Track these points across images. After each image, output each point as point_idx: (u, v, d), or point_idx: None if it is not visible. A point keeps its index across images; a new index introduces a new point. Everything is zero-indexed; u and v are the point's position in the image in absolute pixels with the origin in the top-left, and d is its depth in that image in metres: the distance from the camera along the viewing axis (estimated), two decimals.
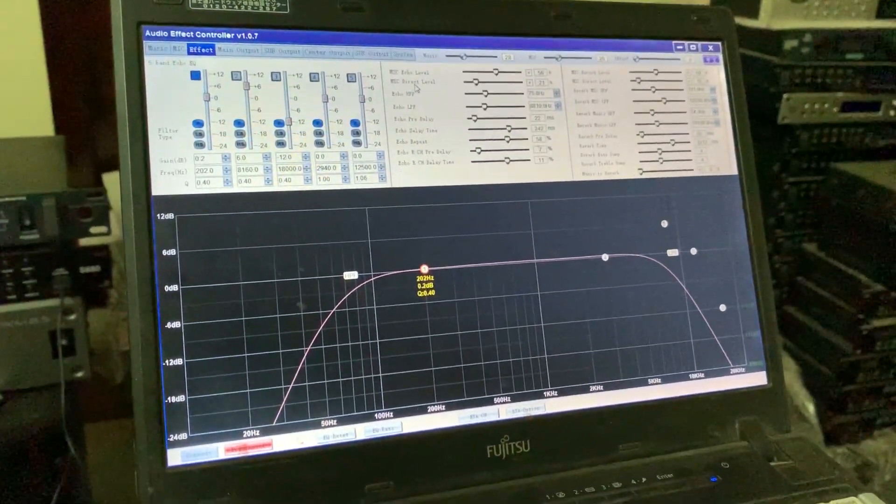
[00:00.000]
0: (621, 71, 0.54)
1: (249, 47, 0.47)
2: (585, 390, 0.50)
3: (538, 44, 0.52)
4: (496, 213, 0.50)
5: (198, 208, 0.45)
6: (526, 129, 0.51)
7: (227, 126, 0.46)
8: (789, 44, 0.92)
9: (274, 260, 0.45)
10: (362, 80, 0.49)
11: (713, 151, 0.55)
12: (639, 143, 0.54)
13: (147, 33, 0.45)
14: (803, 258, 1.02)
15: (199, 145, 0.45)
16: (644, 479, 0.48)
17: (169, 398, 0.43)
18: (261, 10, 0.47)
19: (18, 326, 0.64)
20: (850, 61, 0.95)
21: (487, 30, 0.51)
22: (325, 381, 0.46)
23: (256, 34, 0.47)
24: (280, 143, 0.47)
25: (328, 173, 0.47)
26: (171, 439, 0.43)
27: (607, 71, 0.54)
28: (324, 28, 0.48)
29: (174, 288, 0.44)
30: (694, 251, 0.53)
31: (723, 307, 0.54)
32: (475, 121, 0.51)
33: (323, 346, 0.46)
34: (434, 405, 0.47)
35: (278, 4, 0.47)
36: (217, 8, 0.46)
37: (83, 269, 0.67)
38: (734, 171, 0.55)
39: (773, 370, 0.54)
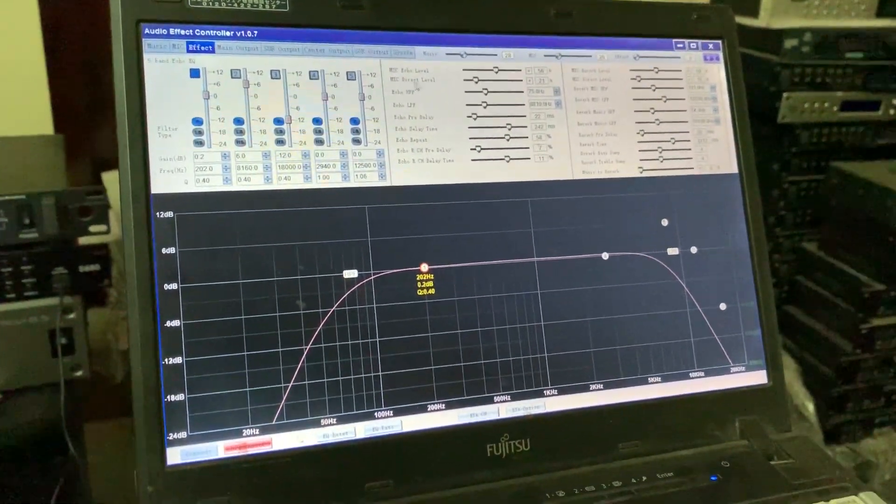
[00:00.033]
0: (621, 69, 0.54)
1: (249, 45, 0.47)
2: (585, 389, 0.50)
3: (538, 42, 0.52)
4: (496, 211, 0.50)
5: (197, 206, 0.44)
6: (526, 127, 0.51)
7: (227, 124, 0.46)
8: (789, 43, 0.92)
9: (273, 258, 0.45)
10: (362, 79, 0.49)
11: (713, 150, 0.55)
12: (639, 142, 0.54)
13: (146, 31, 0.45)
14: (803, 257, 1.02)
15: (199, 143, 0.45)
16: (644, 478, 0.48)
17: (168, 397, 0.43)
18: (260, 7, 0.47)
19: (18, 325, 0.64)
20: (850, 60, 0.94)
21: (487, 28, 0.51)
22: (325, 380, 0.45)
23: (256, 32, 0.47)
24: (279, 142, 0.47)
25: (328, 171, 0.47)
26: (171, 438, 0.43)
27: (607, 69, 0.54)
28: (323, 26, 0.48)
29: (174, 286, 0.44)
30: (694, 250, 0.53)
31: (723, 306, 0.53)
32: (475, 119, 0.50)
33: (322, 345, 0.46)
34: (434, 404, 0.47)
35: (278, 2, 0.47)
36: (216, 6, 0.46)
37: (82, 268, 0.67)
38: (734, 169, 0.55)
39: (774, 369, 0.54)
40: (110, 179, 0.92)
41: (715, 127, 0.56)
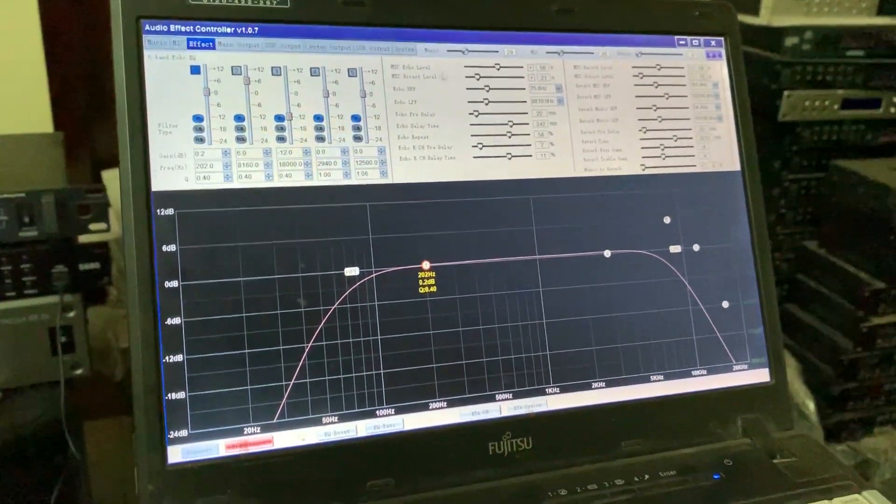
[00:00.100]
0: (623, 66, 0.54)
1: (250, 42, 0.47)
2: (587, 387, 0.50)
3: (540, 38, 0.52)
4: (498, 209, 0.50)
5: (198, 204, 0.44)
6: (528, 124, 0.51)
7: (228, 121, 0.46)
8: (790, 40, 0.92)
9: (274, 256, 0.45)
10: (363, 75, 0.48)
11: (716, 147, 0.55)
12: (641, 139, 0.54)
13: (146, 28, 0.45)
14: (804, 255, 1.02)
15: (199, 140, 0.45)
16: (647, 477, 0.47)
17: (169, 395, 0.43)
18: (261, 4, 0.47)
19: (18, 324, 0.64)
20: (850, 58, 0.94)
21: (489, 24, 0.51)
22: (327, 378, 0.45)
23: (257, 28, 0.47)
24: (280, 139, 0.46)
25: (329, 169, 0.47)
26: (172, 436, 0.42)
27: (609, 66, 0.53)
28: (324, 22, 0.48)
29: (174, 284, 0.43)
30: (696, 247, 0.53)
31: (725, 304, 0.53)
32: (477, 116, 0.50)
33: (324, 343, 0.45)
34: (435, 402, 0.47)
35: None
36: (217, 2, 0.46)
37: (82, 266, 0.67)
38: (737, 166, 0.55)
39: (776, 367, 0.54)
40: (110, 177, 0.91)
41: (717, 124, 0.55)
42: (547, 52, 0.52)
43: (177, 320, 0.43)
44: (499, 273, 0.49)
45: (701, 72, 0.55)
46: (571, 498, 0.45)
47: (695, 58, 0.55)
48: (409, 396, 0.47)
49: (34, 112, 0.93)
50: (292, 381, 0.45)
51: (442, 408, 0.47)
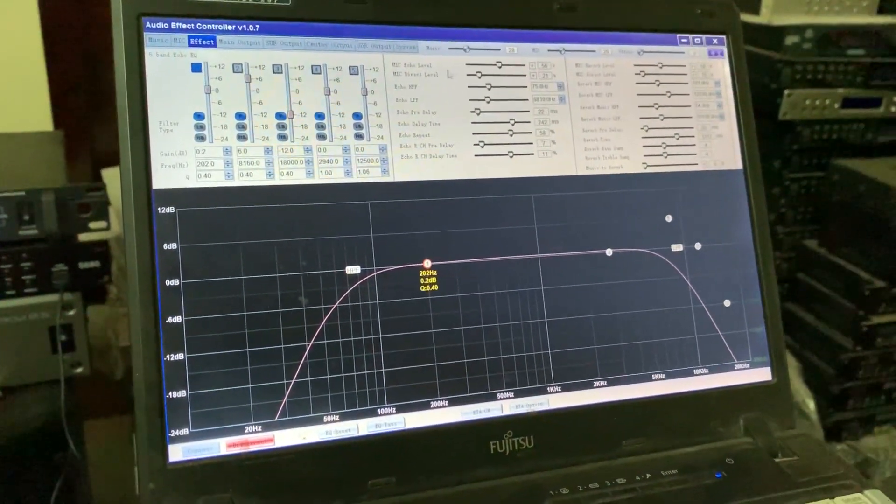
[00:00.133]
0: (625, 64, 0.54)
1: (251, 39, 0.46)
2: (589, 386, 0.50)
3: (542, 36, 0.52)
4: (499, 207, 0.50)
5: (199, 202, 0.44)
6: (529, 122, 0.51)
7: (229, 119, 0.46)
8: (790, 39, 0.92)
9: (276, 254, 0.45)
10: (364, 73, 0.48)
11: (718, 146, 0.55)
12: (643, 137, 0.53)
13: (147, 25, 0.45)
14: (804, 254, 1.02)
15: (200, 138, 0.45)
16: (648, 476, 0.47)
17: (170, 393, 0.42)
18: (262, 1, 0.47)
19: (17, 322, 0.64)
20: (851, 57, 0.94)
21: (491, 22, 0.51)
22: (328, 377, 0.45)
23: (258, 26, 0.47)
24: (282, 137, 0.46)
25: (330, 167, 0.47)
26: (173, 435, 0.42)
27: (611, 64, 0.53)
28: (326, 20, 0.48)
29: (175, 282, 0.43)
30: (698, 246, 0.53)
31: (727, 302, 0.53)
32: (478, 114, 0.50)
33: (325, 342, 0.45)
34: (437, 401, 0.47)
35: None
36: None
37: (82, 265, 0.66)
38: (739, 165, 0.55)
39: (778, 366, 0.54)
40: (110, 176, 0.91)
41: (719, 123, 0.55)
42: (549, 50, 0.52)
43: (178, 318, 0.43)
44: (500, 272, 0.49)
45: (703, 70, 0.55)
46: (573, 497, 0.45)
47: (697, 56, 0.55)
48: (411, 395, 0.46)
49: (34, 110, 0.93)
50: (293, 380, 0.45)
51: (443, 406, 0.47)
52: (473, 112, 0.50)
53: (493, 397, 0.48)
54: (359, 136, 0.48)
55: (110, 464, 0.73)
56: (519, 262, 0.49)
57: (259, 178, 0.45)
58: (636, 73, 0.54)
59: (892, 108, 0.97)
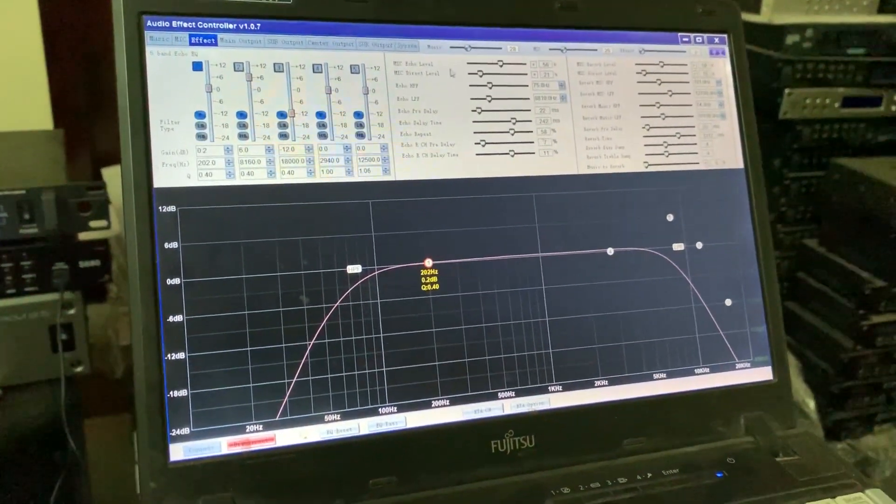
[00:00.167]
0: (627, 63, 0.54)
1: (252, 38, 0.46)
2: (590, 385, 0.50)
3: (543, 35, 0.52)
4: (500, 206, 0.49)
5: (200, 201, 0.44)
6: (531, 121, 0.51)
7: (230, 118, 0.45)
8: (791, 38, 0.92)
9: (277, 253, 0.45)
10: (366, 72, 0.48)
11: (719, 145, 0.55)
12: (644, 137, 0.53)
13: (148, 23, 0.44)
14: (804, 254, 1.01)
15: (202, 137, 0.45)
16: (650, 475, 0.47)
17: (171, 392, 0.42)
18: (263, 0, 0.46)
19: (18, 321, 0.64)
20: (851, 56, 0.94)
21: (492, 21, 0.51)
22: (329, 376, 0.45)
23: (259, 25, 0.46)
24: (283, 136, 0.46)
25: (331, 166, 0.47)
26: (174, 434, 0.42)
27: (613, 63, 0.53)
28: (327, 19, 0.48)
29: (176, 281, 0.43)
30: (699, 245, 0.53)
31: (728, 302, 0.53)
32: (479, 113, 0.50)
33: (326, 341, 0.45)
34: (438, 400, 0.47)
35: None
36: None
37: (83, 264, 0.66)
38: (740, 164, 0.55)
39: (779, 365, 0.54)
40: (110, 174, 0.91)
41: (720, 122, 0.55)
42: (550, 49, 0.52)
43: (179, 318, 0.43)
44: (501, 271, 0.49)
45: (704, 69, 0.55)
46: (574, 496, 0.45)
47: (698, 55, 0.55)
48: (412, 394, 0.46)
49: (34, 109, 0.93)
50: (294, 379, 0.45)
51: (444, 406, 0.47)
52: (475, 111, 0.50)
53: (494, 396, 0.48)
54: (360, 135, 0.48)
55: (110, 463, 0.73)
56: (520, 262, 0.49)
57: (260, 177, 0.45)
58: (637, 72, 0.54)
59: (893, 108, 0.97)
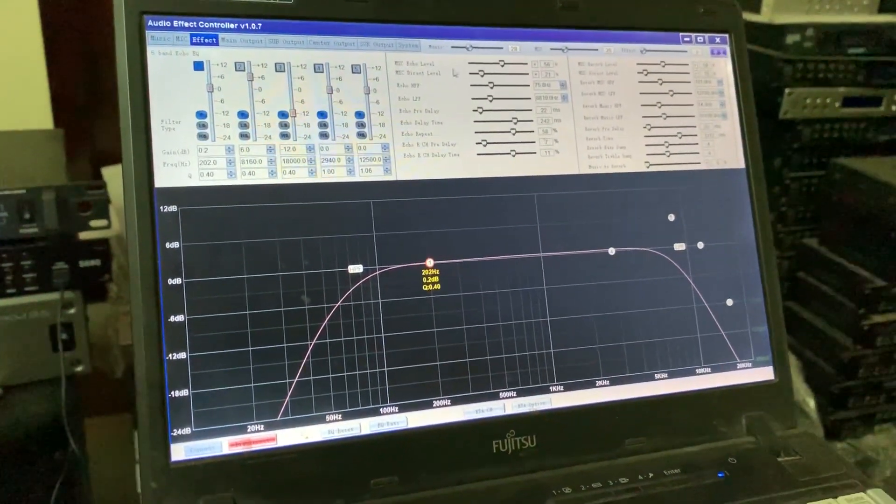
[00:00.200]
0: (628, 63, 0.54)
1: (253, 38, 0.46)
2: (592, 385, 0.50)
3: (544, 35, 0.52)
4: (502, 206, 0.49)
5: (201, 201, 0.44)
6: (532, 121, 0.51)
7: (231, 117, 0.45)
8: (791, 38, 0.92)
9: (278, 253, 0.45)
10: (367, 72, 0.48)
11: (720, 145, 0.55)
12: (645, 136, 0.53)
13: (150, 23, 0.44)
14: (804, 253, 1.02)
15: (203, 137, 0.45)
16: (651, 475, 0.47)
17: (172, 392, 0.42)
18: (265, 0, 0.46)
19: (18, 320, 0.64)
20: (852, 56, 0.94)
21: (493, 21, 0.51)
22: (330, 376, 0.45)
23: (260, 24, 0.46)
24: (284, 135, 0.46)
25: (332, 166, 0.47)
26: (175, 434, 0.42)
27: (614, 63, 0.53)
28: (328, 18, 0.48)
29: (177, 281, 0.43)
30: (701, 245, 0.53)
31: (729, 301, 0.53)
32: (481, 113, 0.50)
33: (328, 341, 0.45)
34: (439, 400, 0.47)
35: None
36: None
37: (83, 263, 0.66)
38: (741, 164, 0.55)
39: (780, 365, 0.54)
40: (110, 174, 0.91)
41: (722, 121, 0.55)
42: (551, 49, 0.52)
43: (180, 317, 0.43)
44: (503, 270, 0.49)
45: (705, 69, 0.55)
46: (575, 496, 0.45)
47: (699, 55, 0.55)
48: (413, 394, 0.46)
49: (34, 108, 0.93)
50: (296, 379, 0.45)
51: (446, 406, 0.47)
52: (476, 111, 0.50)
53: (495, 396, 0.48)
54: (361, 135, 0.48)
55: (111, 462, 0.73)
56: (521, 262, 0.49)
57: (261, 177, 0.45)
58: (639, 72, 0.54)
59: (893, 107, 0.97)
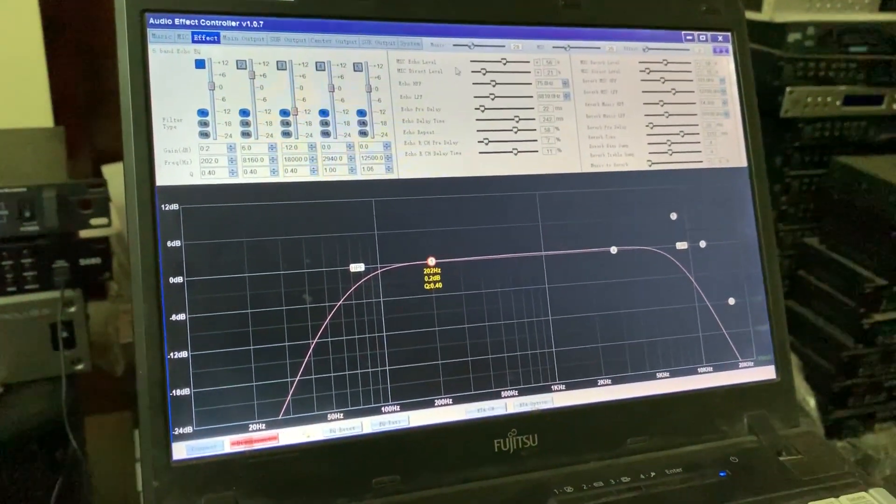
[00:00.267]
0: (630, 61, 0.54)
1: (255, 35, 0.46)
2: (593, 384, 0.50)
3: (547, 33, 0.52)
4: (504, 204, 0.49)
5: (203, 199, 0.44)
6: (534, 119, 0.51)
7: (233, 115, 0.45)
8: (792, 37, 0.92)
9: (280, 252, 0.45)
10: (369, 70, 0.48)
11: (722, 143, 0.55)
12: (648, 135, 0.53)
13: (151, 21, 0.44)
14: (805, 252, 1.02)
15: (204, 135, 0.45)
16: (653, 474, 0.47)
17: (174, 391, 0.42)
18: None
19: (18, 319, 0.64)
20: (853, 55, 0.94)
21: (495, 19, 0.51)
22: (332, 375, 0.45)
23: (262, 22, 0.46)
24: (286, 134, 0.46)
25: (334, 164, 0.47)
26: (176, 433, 0.42)
27: (616, 61, 0.53)
28: (330, 16, 0.48)
29: (179, 280, 0.43)
30: (703, 244, 0.53)
31: (731, 300, 0.53)
32: (483, 111, 0.50)
33: (329, 339, 0.45)
34: (441, 399, 0.47)
35: None
36: None
37: (83, 261, 0.66)
38: (743, 163, 0.55)
39: (782, 364, 0.54)
40: (110, 172, 0.91)
41: (724, 120, 0.55)
42: (553, 47, 0.52)
43: (181, 316, 0.43)
44: (504, 269, 0.49)
45: (708, 67, 0.55)
46: (577, 495, 0.45)
47: (702, 53, 0.55)
48: (415, 393, 0.46)
49: (35, 106, 0.93)
50: (297, 378, 0.44)
51: (447, 405, 0.47)
52: (478, 109, 0.50)
53: (497, 395, 0.48)
54: (363, 133, 0.47)
55: (111, 460, 0.73)
56: (523, 260, 0.49)
57: (263, 176, 0.45)
58: (641, 70, 0.54)
59: (894, 106, 0.97)
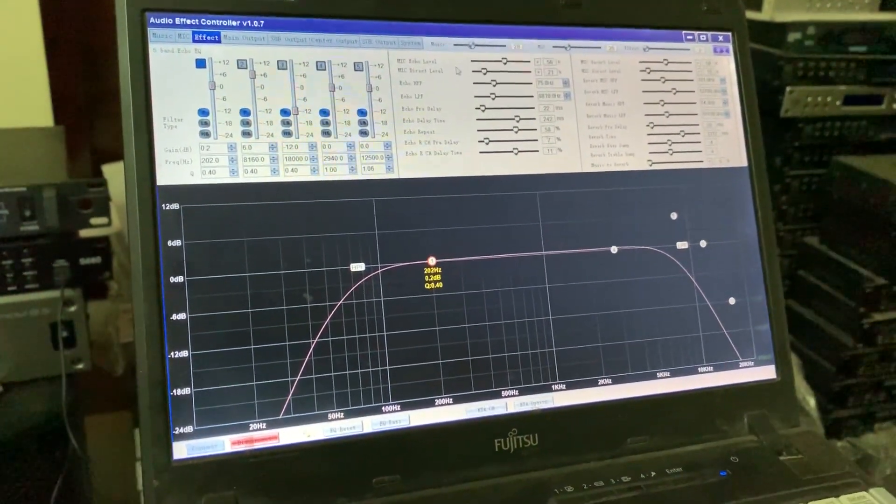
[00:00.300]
0: (631, 61, 0.54)
1: (255, 35, 0.46)
2: (594, 384, 0.50)
3: (547, 33, 0.52)
4: (504, 204, 0.49)
5: (203, 199, 0.44)
6: (534, 119, 0.51)
7: (233, 115, 0.45)
8: (792, 36, 0.92)
9: (280, 251, 0.45)
10: (369, 69, 0.48)
11: (723, 143, 0.55)
12: (648, 135, 0.53)
13: (151, 20, 0.44)
14: (805, 252, 1.01)
15: (205, 134, 0.45)
16: (653, 474, 0.47)
17: (174, 391, 0.42)
18: None
19: (19, 318, 0.64)
20: (853, 54, 0.94)
21: (496, 18, 0.51)
22: (332, 374, 0.45)
23: (262, 22, 0.46)
24: (286, 133, 0.46)
25: (335, 164, 0.47)
26: (177, 432, 0.42)
27: (617, 61, 0.53)
28: (330, 16, 0.48)
29: (179, 279, 0.43)
30: (703, 244, 0.53)
31: (732, 300, 0.53)
32: (483, 111, 0.50)
33: (330, 339, 0.45)
34: (441, 398, 0.47)
35: None
36: None
37: (83, 261, 0.66)
38: (744, 162, 0.55)
39: (782, 364, 0.54)
40: (111, 172, 0.91)
41: (724, 120, 0.55)
42: (554, 47, 0.52)
43: (182, 316, 0.43)
44: (505, 269, 0.49)
45: (708, 67, 0.55)
46: (578, 495, 0.45)
47: (702, 53, 0.55)
48: (415, 393, 0.46)
49: (35, 106, 0.93)
50: (298, 378, 0.44)
51: (448, 404, 0.47)
52: (478, 109, 0.50)
53: (497, 395, 0.48)
54: (363, 133, 0.47)
55: (111, 459, 0.73)
56: (523, 260, 0.49)
57: (263, 175, 0.45)
58: (642, 70, 0.54)
59: (894, 105, 0.97)
